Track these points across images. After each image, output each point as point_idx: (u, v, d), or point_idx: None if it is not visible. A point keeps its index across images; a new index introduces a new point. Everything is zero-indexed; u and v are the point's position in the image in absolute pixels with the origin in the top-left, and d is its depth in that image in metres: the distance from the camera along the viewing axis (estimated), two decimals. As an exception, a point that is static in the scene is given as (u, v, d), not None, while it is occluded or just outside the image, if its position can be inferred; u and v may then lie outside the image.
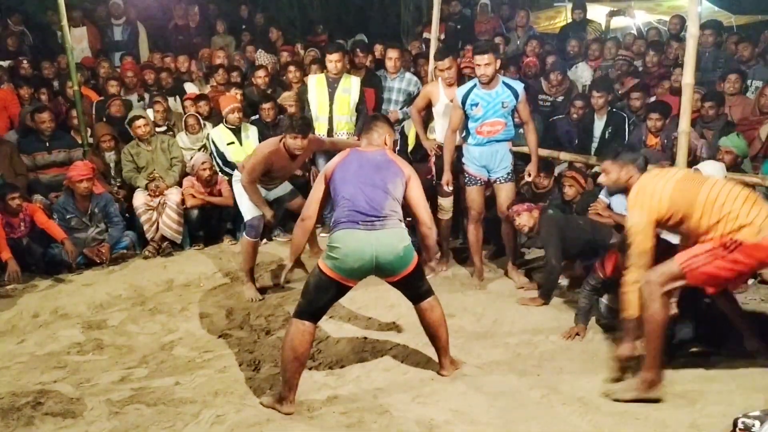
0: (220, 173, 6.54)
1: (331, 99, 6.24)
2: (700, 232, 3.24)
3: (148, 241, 6.24)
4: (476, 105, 4.95)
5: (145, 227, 6.22)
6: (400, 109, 6.74)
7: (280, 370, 3.44)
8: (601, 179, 3.68)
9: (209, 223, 6.49)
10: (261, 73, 7.45)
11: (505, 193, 5.08)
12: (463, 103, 4.99)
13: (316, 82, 6.38)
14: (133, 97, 7.60)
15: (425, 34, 8.65)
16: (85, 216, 5.97)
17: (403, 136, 6.56)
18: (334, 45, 6.90)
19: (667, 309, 3.27)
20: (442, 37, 8.07)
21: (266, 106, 6.86)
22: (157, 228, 6.22)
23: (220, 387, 3.67)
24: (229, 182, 6.44)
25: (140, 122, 6.47)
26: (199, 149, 6.83)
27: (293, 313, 3.44)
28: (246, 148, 6.56)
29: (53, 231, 5.73)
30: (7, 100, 7.09)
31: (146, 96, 7.65)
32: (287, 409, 3.33)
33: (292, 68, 7.35)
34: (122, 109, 7.06)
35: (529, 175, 5.17)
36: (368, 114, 6.33)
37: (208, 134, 6.76)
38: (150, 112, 6.98)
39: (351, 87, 6.33)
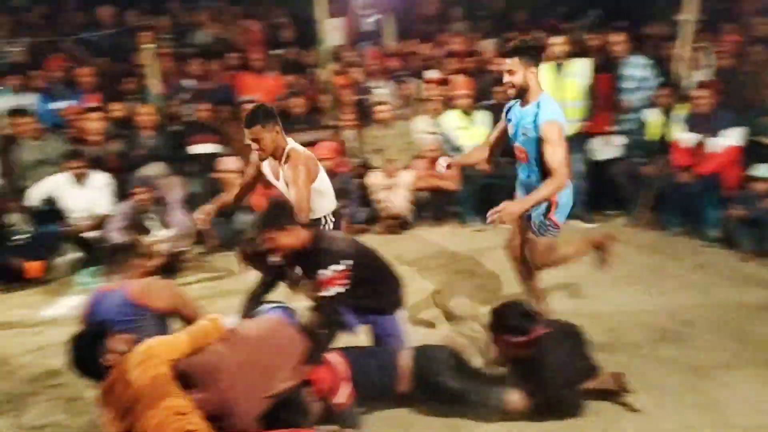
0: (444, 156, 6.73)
1: (559, 85, 6.07)
2: None
3: (378, 219, 6.69)
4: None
5: (378, 205, 6.69)
6: (634, 96, 6.32)
7: None
8: None
9: (436, 206, 6.75)
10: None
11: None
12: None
13: (545, 70, 6.24)
14: (376, 84, 8.11)
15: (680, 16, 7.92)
16: (327, 193, 6.58)
17: (641, 125, 6.17)
18: (560, 28, 6.67)
19: None
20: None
21: (500, 89, 6.84)
22: (389, 207, 6.63)
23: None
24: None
25: (382, 107, 6.91)
26: (435, 133, 7.09)
27: None
28: (475, 133, 6.69)
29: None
30: (275, 85, 8.00)
31: (388, 82, 8.12)
32: None
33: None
34: (358, 95, 7.58)
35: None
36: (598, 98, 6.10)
37: (440, 118, 6.98)
38: (391, 98, 7.40)
39: (579, 71, 6.10)
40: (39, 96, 7.21)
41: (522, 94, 3.63)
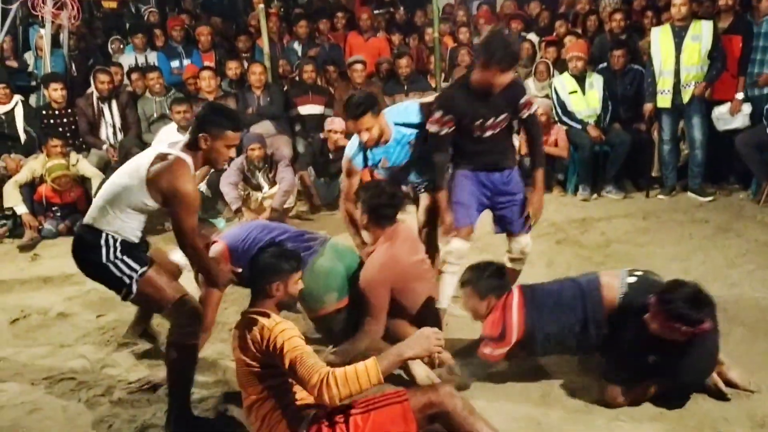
0: (558, 122, 6.52)
1: (678, 49, 5.69)
2: None
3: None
4: None
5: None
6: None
7: None
8: None
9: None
10: (617, 16, 7.05)
11: None
12: None
13: (660, 33, 5.87)
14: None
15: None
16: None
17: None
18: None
19: None
20: None
21: (617, 53, 6.51)
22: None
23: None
24: (567, 133, 6.44)
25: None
26: (544, 96, 6.87)
27: None
28: (589, 98, 6.42)
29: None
30: (381, 47, 8.00)
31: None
32: None
33: (649, 13, 6.86)
34: (469, 57, 7.42)
35: None
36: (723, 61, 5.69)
37: (551, 82, 6.75)
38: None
39: (702, 33, 5.67)
40: (160, 54, 7.59)
41: (380, 142, 3.60)
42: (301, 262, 2.62)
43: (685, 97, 5.88)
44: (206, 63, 7.34)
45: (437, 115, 3.50)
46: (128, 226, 2.76)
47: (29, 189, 5.98)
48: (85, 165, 6.15)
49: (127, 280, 2.76)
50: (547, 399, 3.03)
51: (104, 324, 4.03)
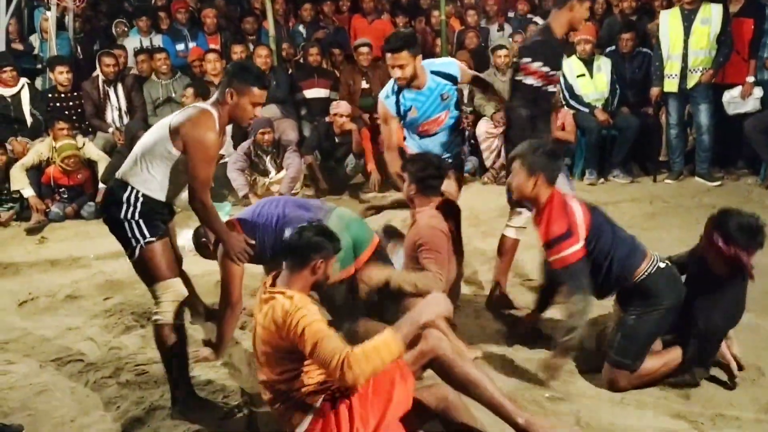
0: (565, 106, 6.48)
1: (686, 33, 5.63)
2: None
3: (486, 168, 6.58)
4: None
5: (485, 154, 6.56)
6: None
7: None
8: None
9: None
10: (627, 0, 6.99)
11: None
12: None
13: (669, 16, 5.81)
14: (493, 27, 7.87)
15: None
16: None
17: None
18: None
19: None
20: None
21: (625, 36, 6.45)
22: (498, 155, 6.49)
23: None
24: (574, 117, 6.39)
25: (502, 52, 6.66)
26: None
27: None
28: (596, 81, 6.37)
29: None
30: (385, 30, 7.93)
31: (506, 26, 7.85)
32: None
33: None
34: (476, 39, 7.37)
35: None
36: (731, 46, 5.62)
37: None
38: (509, 42, 7.16)
39: (711, 17, 5.61)
40: (165, 37, 7.56)
41: (412, 81, 3.63)
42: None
43: (690, 83, 5.84)
44: (211, 46, 7.31)
45: (536, 65, 3.43)
46: (153, 180, 2.81)
47: (36, 172, 6.00)
48: (91, 148, 6.16)
49: (134, 243, 2.81)
50: (550, 381, 3.03)
51: (111, 306, 4.05)
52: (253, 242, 3.10)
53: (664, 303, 2.87)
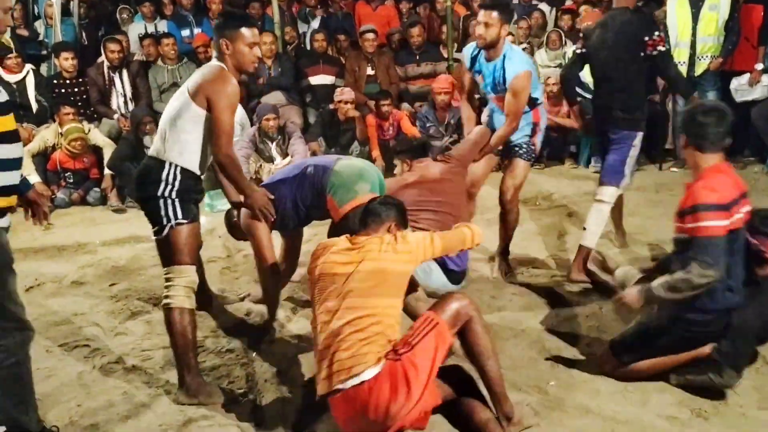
0: (571, 94, 6.44)
1: (695, 19, 5.58)
2: None
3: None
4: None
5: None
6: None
7: None
8: None
9: (552, 144, 6.52)
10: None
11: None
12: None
13: (676, 3, 5.76)
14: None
15: None
16: (441, 125, 6.51)
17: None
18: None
19: None
20: None
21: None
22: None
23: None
24: (581, 104, 6.34)
25: (507, 38, 6.63)
26: (557, 66, 6.79)
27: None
28: (602, 68, 6.33)
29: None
30: (389, 16, 7.91)
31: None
32: None
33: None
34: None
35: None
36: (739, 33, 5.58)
37: (564, 51, 6.66)
38: (514, 28, 7.12)
39: (720, 3, 5.57)
40: (169, 23, 7.54)
41: (490, 47, 3.72)
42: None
43: (698, 70, 5.80)
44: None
45: (662, 34, 3.77)
46: (188, 149, 2.85)
47: (42, 159, 6.01)
48: (96, 134, 6.17)
49: (165, 222, 2.84)
50: (555, 369, 3.04)
51: (117, 292, 4.08)
52: (273, 197, 3.23)
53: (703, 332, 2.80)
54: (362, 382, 2.31)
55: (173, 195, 2.84)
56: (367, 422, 2.34)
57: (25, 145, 6.00)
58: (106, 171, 6.00)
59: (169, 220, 2.84)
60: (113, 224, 5.56)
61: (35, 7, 7.91)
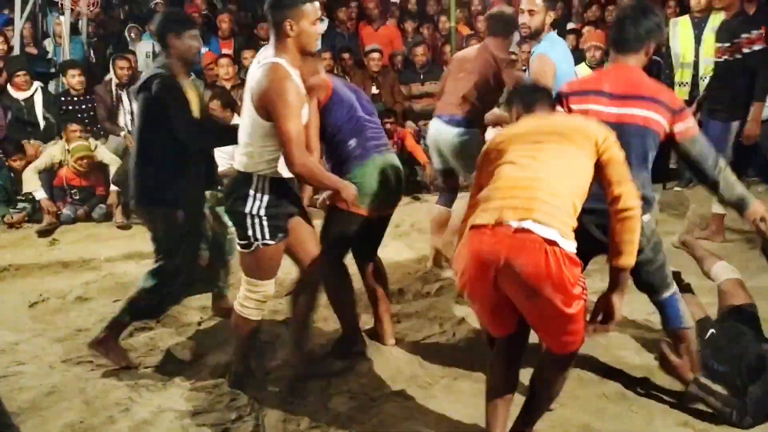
0: (575, 113, 6.48)
1: (697, 41, 5.60)
2: None
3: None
4: None
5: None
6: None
7: None
8: None
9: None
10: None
11: None
12: None
13: (679, 25, 5.78)
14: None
15: None
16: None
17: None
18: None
19: None
20: None
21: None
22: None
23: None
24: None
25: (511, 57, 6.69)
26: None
27: None
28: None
29: (418, 155, 6.43)
30: (391, 36, 7.97)
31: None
32: None
33: (671, 3, 6.81)
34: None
35: None
36: None
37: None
38: (516, 49, 7.16)
39: None
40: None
41: (534, 37, 3.63)
42: None
43: (702, 91, 5.80)
44: (225, 50, 7.36)
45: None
46: (265, 159, 2.71)
47: (48, 175, 6.05)
48: (103, 151, 6.21)
49: (252, 240, 2.80)
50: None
51: (121, 309, 4.08)
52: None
53: None
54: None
55: (261, 212, 2.75)
56: None
57: (31, 161, 6.07)
58: (112, 187, 6.03)
59: (255, 240, 2.79)
60: (118, 240, 5.58)
61: (44, 25, 8.02)
